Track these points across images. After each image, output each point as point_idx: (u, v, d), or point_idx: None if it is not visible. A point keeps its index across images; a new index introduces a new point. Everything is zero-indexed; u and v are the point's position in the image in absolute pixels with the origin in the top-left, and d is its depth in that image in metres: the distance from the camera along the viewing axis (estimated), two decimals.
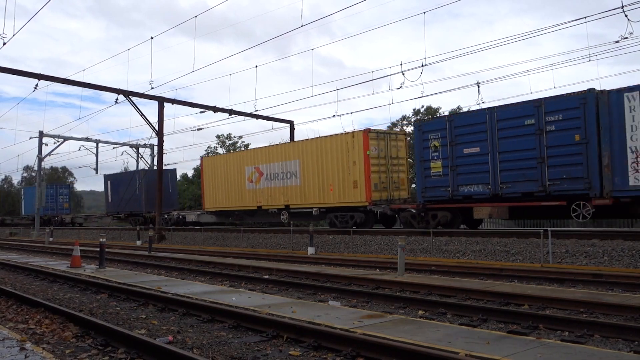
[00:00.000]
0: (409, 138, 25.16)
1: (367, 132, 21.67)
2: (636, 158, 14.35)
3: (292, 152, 24.98)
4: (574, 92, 15.78)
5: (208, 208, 30.29)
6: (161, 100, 28.83)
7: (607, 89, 15.15)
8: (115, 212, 40.96)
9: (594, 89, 15.23)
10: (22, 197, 55.79)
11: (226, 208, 29.21)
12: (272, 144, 27.89)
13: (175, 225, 30.78)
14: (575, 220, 16.04)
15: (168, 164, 39.71)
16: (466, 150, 17.87)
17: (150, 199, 34.45)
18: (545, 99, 16.15)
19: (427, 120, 19.20)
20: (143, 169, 39.62)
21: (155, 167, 44.03)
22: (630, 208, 15.07)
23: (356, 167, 21.67)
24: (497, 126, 17.04)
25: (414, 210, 19.60)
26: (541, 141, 16.05)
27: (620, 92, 14.68)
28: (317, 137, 23.84)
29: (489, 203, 17.57)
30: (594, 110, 14.97)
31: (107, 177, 42.47)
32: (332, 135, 23.03)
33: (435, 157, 18.69)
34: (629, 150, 14.44)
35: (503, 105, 17.49)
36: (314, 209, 23.74)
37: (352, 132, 22.18)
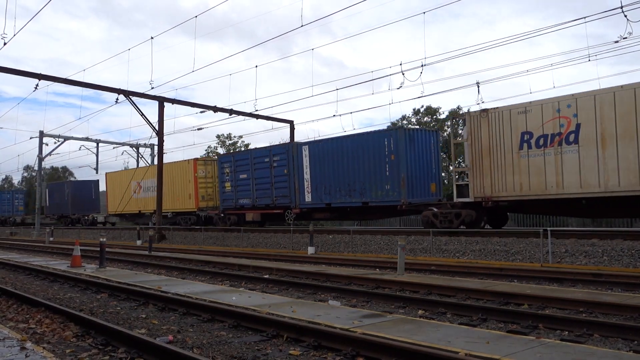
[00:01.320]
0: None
1: (196, 160, 31.45)
2: (309, 185, 23.39)
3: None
4: (284, 143, 24.68)
5: (111, 211, 39.63)
6: (161, 100, 28.80)
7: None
8: (51, 214, 49.36)
9: (293, 142, 25.03)
10: None
11: (122, 212, 37.51)
12: (148, 165, 37.92)
13: (90, 225, 39.74)
14: (286, 221, 24.96)
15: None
16: (241, 176, 27.00)
17: (75, 204, 45.67)
18: (272, 146, 26.20)
19: (223, 155, 28.57)
20: (70, 180, 47.22)
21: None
22: (310, 214, 24.13)
23: (190, 184, 30.74)
24: (254, 162, 26.41)
25: (222, 215, 28.33)
26: (272, 172, 25.21)
27: (300, 145, 24.03)
28: (171, 162, 32.49)
29: (252, 211, 26.85)
30: (292, 154, 24.22)
31: (47, 185, 50.69)
32: (178, 161, 32.39)
33: (227, 180, 27.89)
34: (305, 181, 23.55)
35: (256, 148, 27.29)
36: (169, 213, 32.15)
37: (188, 160, 31.44)
